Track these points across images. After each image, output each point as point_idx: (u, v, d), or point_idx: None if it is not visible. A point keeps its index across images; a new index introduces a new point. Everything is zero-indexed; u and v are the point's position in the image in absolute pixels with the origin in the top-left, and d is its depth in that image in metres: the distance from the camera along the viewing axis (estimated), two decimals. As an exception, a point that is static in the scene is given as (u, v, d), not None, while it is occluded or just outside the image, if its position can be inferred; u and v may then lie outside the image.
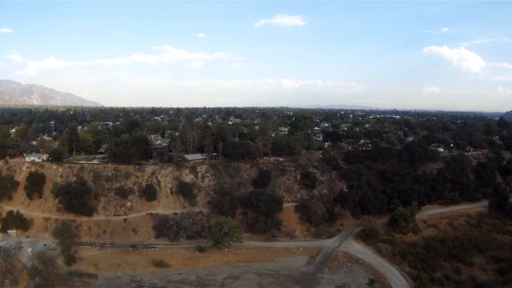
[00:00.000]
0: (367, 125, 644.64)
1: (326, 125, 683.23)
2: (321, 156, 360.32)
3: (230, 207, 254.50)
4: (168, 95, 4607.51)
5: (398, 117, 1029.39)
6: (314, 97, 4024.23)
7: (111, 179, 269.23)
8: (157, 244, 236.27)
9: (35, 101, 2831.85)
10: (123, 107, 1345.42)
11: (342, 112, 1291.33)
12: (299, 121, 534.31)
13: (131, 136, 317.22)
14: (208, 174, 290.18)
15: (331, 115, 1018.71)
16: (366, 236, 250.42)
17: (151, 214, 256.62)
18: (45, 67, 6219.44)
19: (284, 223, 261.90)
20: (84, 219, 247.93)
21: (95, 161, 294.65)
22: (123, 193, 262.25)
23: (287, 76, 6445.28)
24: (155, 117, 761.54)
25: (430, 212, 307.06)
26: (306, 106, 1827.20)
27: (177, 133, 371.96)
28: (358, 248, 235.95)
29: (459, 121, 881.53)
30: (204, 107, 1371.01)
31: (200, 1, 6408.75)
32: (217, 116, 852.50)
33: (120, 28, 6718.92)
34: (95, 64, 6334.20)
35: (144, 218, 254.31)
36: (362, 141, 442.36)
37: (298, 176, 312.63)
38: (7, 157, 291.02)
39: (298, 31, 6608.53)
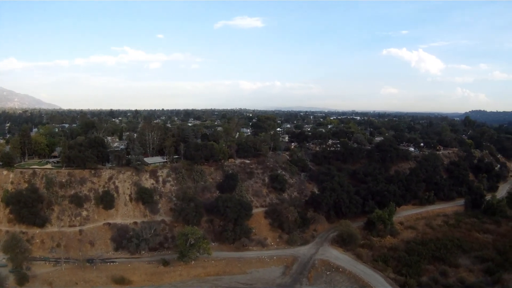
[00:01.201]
0: (330, 126, 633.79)
1: (288, 126, 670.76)
2: (288, 157, 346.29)
3: (195, 214, 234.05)
4: (126, 97, 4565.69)
5: (358, 118, 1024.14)
6: (273, 99, 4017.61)
7: (65, 185, 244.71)
8: (116, 258, 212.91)
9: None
10: (81, 109, 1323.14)
11: (302, 114, 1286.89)
12: (262, 121, 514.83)
13: (86, 138, 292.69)
14: (169, 179, 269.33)
15: (291, 117, 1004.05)
16: (343, 242, 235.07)
17: (109, 224, 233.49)
18: (3, 68, 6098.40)
19: (254, 230, 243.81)
20: (37, 231, 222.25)
21: (48, 166, 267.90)
22: (78, 201, 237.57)
23: (246, 78, 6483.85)
24: (113, 119, 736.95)
25: (406, 213, 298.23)
26: (265, 108, 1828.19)
27: (135, 134, 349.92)
28: (336, 255, 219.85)
29: (422, 121, 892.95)
30: (163, 109, 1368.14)
31: (160, 2, 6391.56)
32: (176, 118, 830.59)
33: (80, 28, 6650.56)
34: (54, 65, 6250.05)
35: (101, 229, 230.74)
36: (330, 142, 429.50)
37: (266, 179, 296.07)
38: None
39: (257, 33, 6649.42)
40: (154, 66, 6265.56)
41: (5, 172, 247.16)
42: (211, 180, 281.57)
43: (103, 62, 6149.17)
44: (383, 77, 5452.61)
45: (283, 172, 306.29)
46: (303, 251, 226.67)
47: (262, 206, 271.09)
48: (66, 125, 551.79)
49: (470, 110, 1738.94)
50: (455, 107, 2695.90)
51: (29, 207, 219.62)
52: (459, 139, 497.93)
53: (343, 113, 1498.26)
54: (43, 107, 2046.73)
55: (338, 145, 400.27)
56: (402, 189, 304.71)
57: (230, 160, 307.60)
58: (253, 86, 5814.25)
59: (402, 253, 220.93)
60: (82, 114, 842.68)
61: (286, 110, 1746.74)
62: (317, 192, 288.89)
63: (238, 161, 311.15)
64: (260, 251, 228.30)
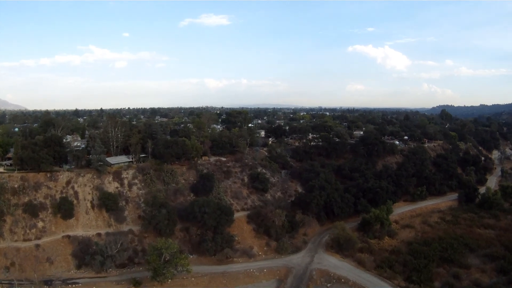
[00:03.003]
0: (302, 121, 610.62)
1: (259, 121, 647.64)
2: (266, 153, 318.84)
3: (167, 223, 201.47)
4: (92, 96, 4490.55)
5: (327, 113, 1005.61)
6: (239, 97, 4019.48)
7: (17, 191, 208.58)
8: (79, 278, 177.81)
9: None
10: (46, 110, 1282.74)
11: (270, 110, 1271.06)
12: (233, 116, 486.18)
13: (42, 137, 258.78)
14: (136, 181, 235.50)
15: (259, 113, 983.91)
16: (339, 247, 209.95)
17: (69, 236, 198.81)
18: None
19: (237, 238, 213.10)
20: None
21: (0, 169, 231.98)
22: (32, 210, 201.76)
23: (212, 76, 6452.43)
24: (78, 118, 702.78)
25: (399, 210, 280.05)
26: (232, 105, 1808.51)
27: (97, 132, 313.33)
28: (335, 263, 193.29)
29: (394, 116, 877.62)
30: (129, 108, 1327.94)
31: (125, 0, 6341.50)
32: (142, 116, 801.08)
33: (45, 27, 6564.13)
34: (19, 65, 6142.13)
35: (60, 243, 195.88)
36: (310, 136, 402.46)
37: (246, 179, 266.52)
38: None
39: (223, 31, 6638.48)
40: (120, 65, 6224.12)
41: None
42: (183, 181, 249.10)
43: (68, 61, 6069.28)
44: (349, 74, 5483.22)
45: (264, 170, 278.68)
46: (296, 260, 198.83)
47: (243, 209, 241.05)
48: (28, 125, 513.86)
49: (438, 105, 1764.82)
50: (422, 102, 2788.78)
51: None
52: (443, 132, 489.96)
53: (311, 110, 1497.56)
54: (9, 108, 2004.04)
55: (319, 140, 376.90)
56: (392, 185, 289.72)
57: (204, 158, 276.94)
58: (220, 84, 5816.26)
59: (406, 256, 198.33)
60: (45, 113, 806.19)
61: (253, 107, 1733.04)
62: (301, 191, 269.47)
63: (212, 158, 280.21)
64: (246, 262, 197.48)
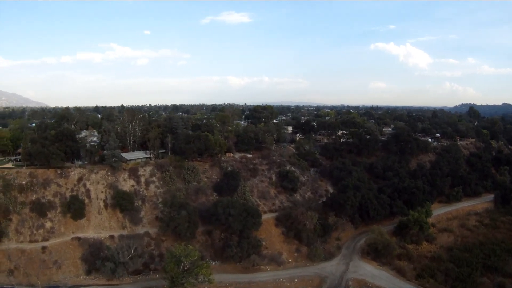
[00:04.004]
0: (327, 118, 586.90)
1: (284, 118, 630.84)
2: (294, 150, 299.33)
3: (188, 225, 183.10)
4: (113, 93, 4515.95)
5: (351, 111, 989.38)
6: (261, 94, 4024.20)
7: (25, 189, 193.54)
8: (89, 286, 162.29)
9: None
10: (67, 106, 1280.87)
11: (293, 107, 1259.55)
12: (258, 112, 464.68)
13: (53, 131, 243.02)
14: (154, 179, 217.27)
15: (283, 110, 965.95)
16: (376, 253, 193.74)
17: (79, 238, 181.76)
18: None
19: (264, 243, 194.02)
20: None
21: (9, 165, 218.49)
22: (40, 209, 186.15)
23: (233, 73, 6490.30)
24: (98, 115, 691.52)
25: (435, 212, 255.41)
26: (254, 103, 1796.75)
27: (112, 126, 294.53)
28: (372, 272, 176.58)
29: (419, 114, 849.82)
30: (150, 105, 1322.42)
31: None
32: (163, 112, 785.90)
33: (66, 26, 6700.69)
34: (41, 63, 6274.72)
35: (69, 245, 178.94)
36: (340, 132, 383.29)
37: (274, 177, 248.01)
38: None
39: (245, 28, 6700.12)
40: (142, 62, 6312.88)
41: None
42: (206, 179, 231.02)
43: (90, 59, 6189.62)
44: (372, 72, 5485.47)
45: (293, 168, 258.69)
46: (329, 268, 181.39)
47: (271, 210, 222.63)
48: (45, 120, 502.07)
49: (460, 103, 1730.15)
50: (444, 101, 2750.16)
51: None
52: (476, 129, 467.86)
53: (333, 107, 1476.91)
54: (31, 105, 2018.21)
55: (349, 136, 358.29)
56: (427, 185, 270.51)
57: (228, 154, 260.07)
58: (241, 81, 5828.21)
59: (448, 264, 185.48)
60: (64, 109, 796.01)
61: (275, 104, 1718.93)
62: (332, 191, 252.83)
63: (237, 155, 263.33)
64: (275, 271, 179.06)
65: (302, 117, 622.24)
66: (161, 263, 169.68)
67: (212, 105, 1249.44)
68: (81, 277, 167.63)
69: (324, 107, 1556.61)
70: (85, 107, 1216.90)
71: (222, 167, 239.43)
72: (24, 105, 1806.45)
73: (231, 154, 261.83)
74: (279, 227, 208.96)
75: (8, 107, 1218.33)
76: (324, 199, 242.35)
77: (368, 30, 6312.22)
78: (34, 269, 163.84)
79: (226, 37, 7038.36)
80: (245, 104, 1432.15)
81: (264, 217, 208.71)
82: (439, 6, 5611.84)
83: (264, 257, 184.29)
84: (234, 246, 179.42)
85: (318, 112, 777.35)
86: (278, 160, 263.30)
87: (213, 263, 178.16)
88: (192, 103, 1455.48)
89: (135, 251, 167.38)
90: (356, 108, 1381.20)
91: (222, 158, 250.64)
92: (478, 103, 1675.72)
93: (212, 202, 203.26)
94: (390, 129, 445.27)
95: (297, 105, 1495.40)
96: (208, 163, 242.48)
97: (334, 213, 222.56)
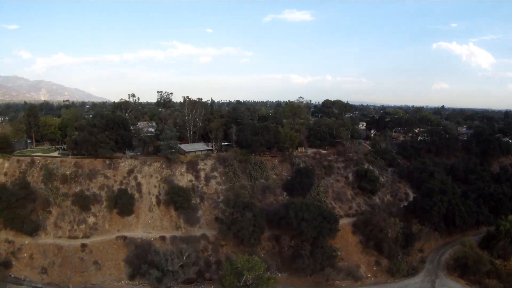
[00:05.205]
0: (396, 116, 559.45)
1: (352, 115, 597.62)
2: (370, 147, 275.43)
3: (252, 229, 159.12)
4: (175, 90, 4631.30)
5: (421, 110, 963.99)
6: (324, 93, 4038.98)
7: (68, 179, 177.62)
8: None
9: (43, 97, 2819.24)
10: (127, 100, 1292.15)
11: (358, 106, 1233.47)
12: (327, 107, 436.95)
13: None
14: (215, 174, 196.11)
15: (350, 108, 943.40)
16: (463, 268, 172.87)
17: (125, 238, 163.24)
18: (53, 63, 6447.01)
19: (340, 253, 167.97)
20: (26, 241, 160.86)
21: (55, 154, 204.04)
22: (84, 202, 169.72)
23: (296, 72, 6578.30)
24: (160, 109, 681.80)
25: None
26: (317, 101, 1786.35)
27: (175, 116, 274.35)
28: None
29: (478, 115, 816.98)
30: (212, 100, 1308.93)
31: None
32: (226, 108, 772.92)
33: (128, 24, 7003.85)
34: (102, 60, 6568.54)
35: (113, 245, 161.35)
36: (417, 130, 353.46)
37: (350, 176, 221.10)
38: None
39: (307, 26, 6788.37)
40: (205, 60, 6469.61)
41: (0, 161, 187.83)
42: (274, 176, 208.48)
43: (152, 56, 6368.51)
44: (434, 72, 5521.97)
45: (371, 167, 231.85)
46: (413, 286, 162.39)
47: (347, 215, 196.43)
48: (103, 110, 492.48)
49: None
50: (505, 103, 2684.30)
51: (13, 208, 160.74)
52: None
53: (398, 107, 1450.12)
54: (93, 100, 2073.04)
55: (427, 135, 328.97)
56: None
57: (299, 149, 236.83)
58: (304, 80, 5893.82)
59: None
60: (125, 102, 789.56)
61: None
62: (413, 194, 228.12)
63: (310, 150, 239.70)
64: (352, 287, 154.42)
65: (370, 116, 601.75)
66: (218, 272, 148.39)
67: (276, 101, 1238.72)
68: (122, 281, 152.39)
69: (388, 107, 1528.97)
70: (147, 102, 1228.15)
71: (294, 163, 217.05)
72: (86, 100, 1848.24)
73: (303, 149, 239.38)
74: (357, 234, 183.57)
75: (67, 100, 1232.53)
76: (405, 204, 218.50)
77: (430, 29, 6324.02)
78: (70, 268, 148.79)
79: (288, 35, 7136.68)
80: (310, 101, 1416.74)
81: (340, 222, 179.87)
82: (503, 4, 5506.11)
83: (339, 270, 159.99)
84: (306, 256, 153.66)
85: (386, 110, 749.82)
86: (355, 158, 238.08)
87: (279, 275, 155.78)
88: (255, 99, 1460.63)
89: (188, 258, 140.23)
90: (421, 108, 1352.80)
91: (294, 153, 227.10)
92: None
93: (282, 203, 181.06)
94: (464, 129, 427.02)
95: (361, 104, 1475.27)
96: (278, 158, 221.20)
97: (417, 220, 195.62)
